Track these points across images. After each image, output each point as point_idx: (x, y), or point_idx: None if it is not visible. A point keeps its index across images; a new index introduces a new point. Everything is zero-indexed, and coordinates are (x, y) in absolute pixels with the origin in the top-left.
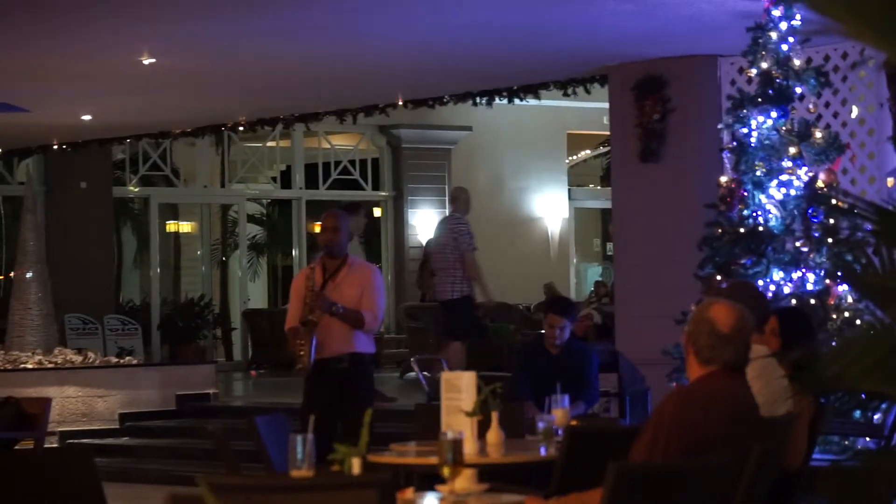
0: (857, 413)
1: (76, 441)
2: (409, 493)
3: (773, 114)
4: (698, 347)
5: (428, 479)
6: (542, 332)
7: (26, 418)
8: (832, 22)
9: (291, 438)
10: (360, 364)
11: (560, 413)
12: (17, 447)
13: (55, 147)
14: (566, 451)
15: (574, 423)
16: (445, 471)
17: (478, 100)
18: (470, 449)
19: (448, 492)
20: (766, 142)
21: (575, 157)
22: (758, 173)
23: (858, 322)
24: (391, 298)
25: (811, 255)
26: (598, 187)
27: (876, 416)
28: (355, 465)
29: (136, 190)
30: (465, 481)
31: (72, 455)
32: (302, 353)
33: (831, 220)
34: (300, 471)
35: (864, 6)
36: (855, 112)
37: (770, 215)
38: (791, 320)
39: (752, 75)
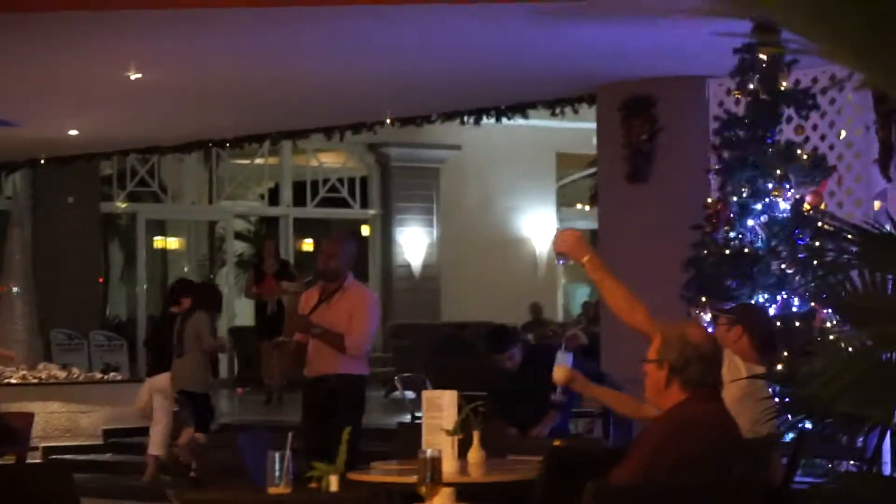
0: (843, 437)
1: (58, 457)
2: None
3: (760, 135)
4: (687, 374)
5: (408, 499)
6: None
7: (9, 433)
8: (812, 44)
9: (269, 455)
10: (346, 384)
11: (561, 370)
12: None
13: (42, 161)
14: (547, 472)
15: (557, 443)
16: (423, 489)
17: (465, 118)
18: (450, 468)
19: None
20: (753, 163)
21: (565, 179)
22: (744, 195)
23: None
24: None
25: (796, 278)
26: (587, 208)
27: (860, 440)
28: (333, 483)
29: (124, 205)
30: (443, 500)
31: (51, 471)
32: (273, 370)
33: (817, 243)
34: (277, 487)
35: (840, 28)
36: (842, 135)
37: (756, 237)
38: (750, 315)
39: (740, 97)
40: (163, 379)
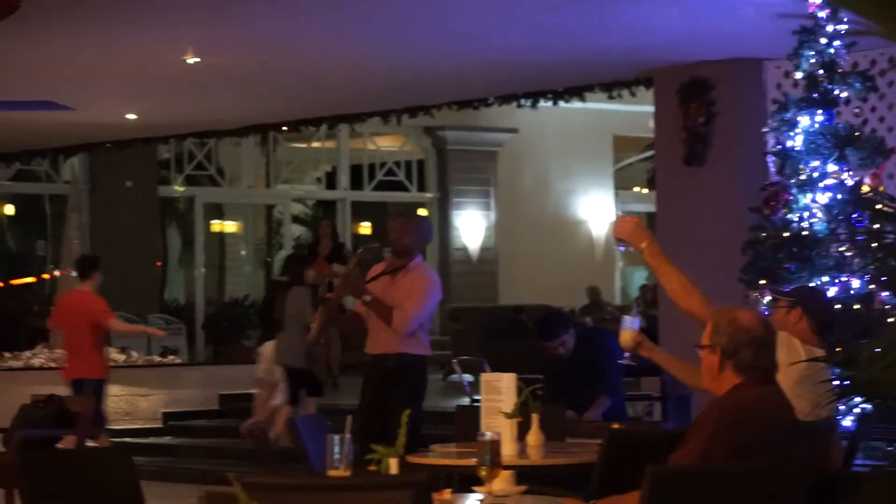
0: None
1: (118, 440)
2: (446, 494)
3: (819, 118)
4: (739, 358)
5: (467, 481)
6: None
7: (69, 416)
8: (872, 24)
9: (329, 438)
10: (405, 365)
11: (627, 335)
12: (58, 445)
13: (100, 146)
14: (606, 455)
15: (616, 426)
16: (482, 472)
17: (522, 101)
18: (509, 450)
19: (485, 493)
20: (811, 146)
21: (622, 161)
22: (802, 177)
23: None
24: None
25: (855, 260)
26: (644, 191)
27: None
28: (392, 466)
29: (182, 189)
30: (502, 483)
31: (111, 454)
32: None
33: (876, 225)
34: (337, 471)
35: None
36: None
37: (814, 220)
38: (809, 298)
39: (798, 79)
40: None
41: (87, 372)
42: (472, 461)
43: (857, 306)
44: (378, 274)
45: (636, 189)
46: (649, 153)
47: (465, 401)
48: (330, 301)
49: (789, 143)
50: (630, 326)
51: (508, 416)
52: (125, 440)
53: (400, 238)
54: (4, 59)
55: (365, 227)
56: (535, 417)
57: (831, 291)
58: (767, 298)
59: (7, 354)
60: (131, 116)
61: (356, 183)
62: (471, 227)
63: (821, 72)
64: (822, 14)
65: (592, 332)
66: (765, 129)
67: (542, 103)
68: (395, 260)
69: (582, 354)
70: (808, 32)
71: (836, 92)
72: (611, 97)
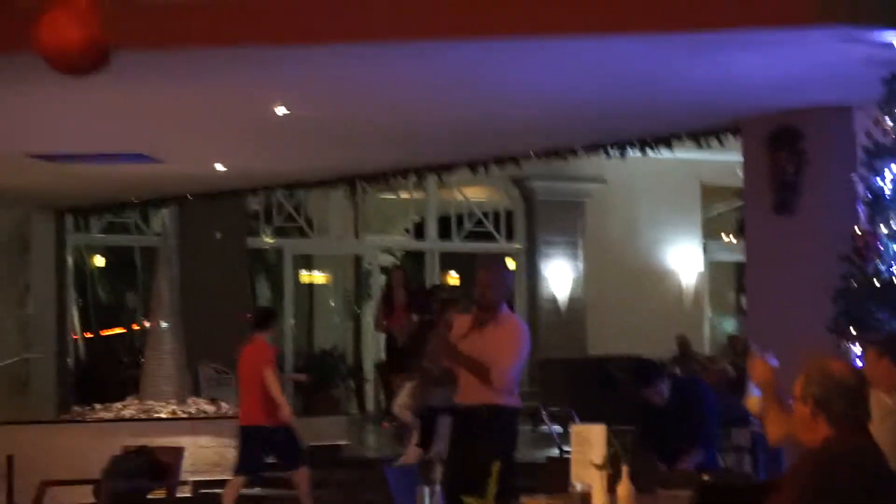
0: None
1: (208, 491)
2: None
3: None
4: (831, 409)
5: None
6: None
7: (160, 467)
8: None
9: (419, 489)
10: (498, 416)
11: (754, 402)
12: (150, 496)
13: (190, 198)
14: None
15: (706, 477)
16: None
17: (610, 151)
18: (600, 502)
19: None
20: None
21: (710, 210)
22: (893, 226)
23: None
24: None
25: None
26: (733, 240)
27: None
28: None
29: (271, 241)
30: None
31: None
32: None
33: None
34: None
35: None
36: None
37: None
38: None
39: (888, 127)
40: None
41: (258, 419)
42: None
43: None
44: (466, 331)
45: (724, 238)
46: (739, 203)
47: (555, 452)
48: (428, 371)
49: (880, 192)
50: (754, 393)
51: (599, 467)
52: (214, 491)
53: (485, 293)
54: (95, 110)
55: (454, 278)
56: (624, 469)
57: None
58: (858, 348)
59: (97, 406)
60: (220, 168)
61: (444, 233)
62: (559, 277)
63: None
64: None
65: (689, 383)
66: (855, 177)
67: (630, 153)
68: (480, 312)
69: (677, 405)
70: None
71: None
72: (699, 146)
